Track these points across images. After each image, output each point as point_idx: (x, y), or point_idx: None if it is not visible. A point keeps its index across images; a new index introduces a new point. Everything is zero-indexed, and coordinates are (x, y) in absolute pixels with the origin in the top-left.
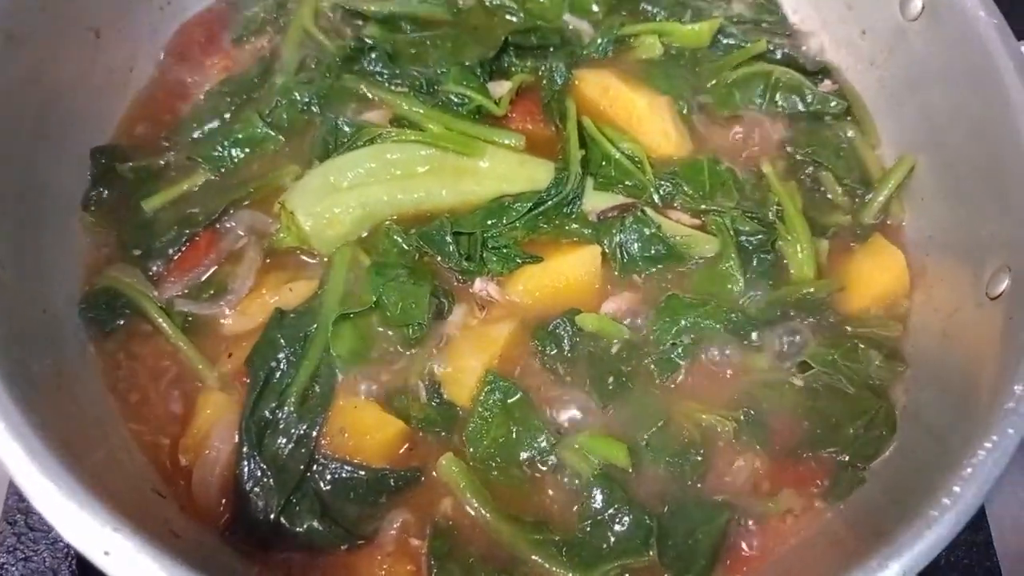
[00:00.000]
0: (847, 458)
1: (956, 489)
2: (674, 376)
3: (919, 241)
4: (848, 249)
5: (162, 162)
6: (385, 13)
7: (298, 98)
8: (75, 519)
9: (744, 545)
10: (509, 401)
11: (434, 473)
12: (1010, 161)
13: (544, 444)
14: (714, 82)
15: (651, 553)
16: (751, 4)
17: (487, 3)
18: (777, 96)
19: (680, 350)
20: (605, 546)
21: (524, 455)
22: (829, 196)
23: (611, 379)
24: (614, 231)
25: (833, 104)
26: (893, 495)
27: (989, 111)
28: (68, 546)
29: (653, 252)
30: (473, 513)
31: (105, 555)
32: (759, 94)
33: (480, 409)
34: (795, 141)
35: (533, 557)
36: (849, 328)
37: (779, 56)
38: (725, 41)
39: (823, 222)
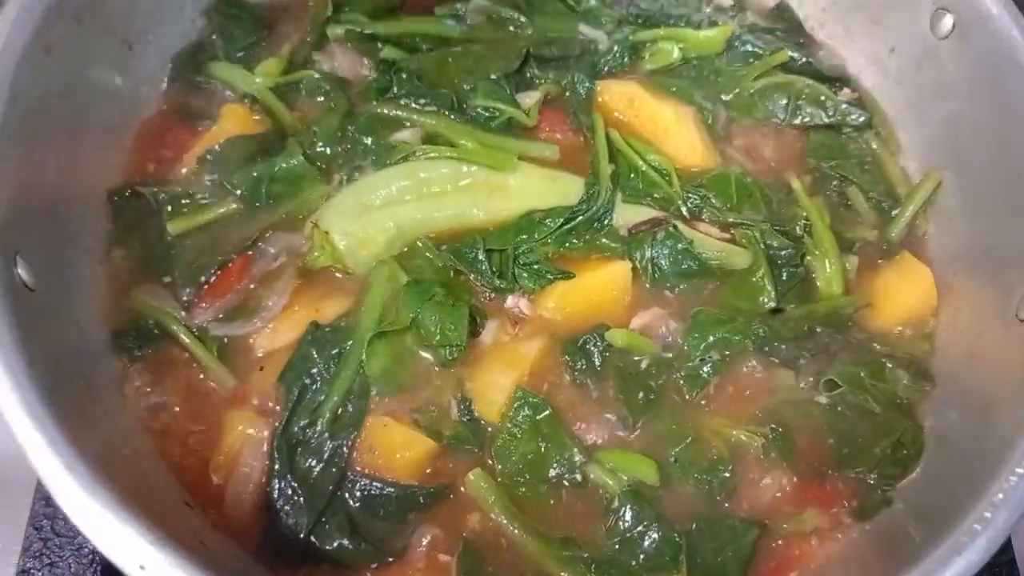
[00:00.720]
0: (873, 479)
1: (987, 515)
2: (703, 392)
3: (945, 259)
4: (875, 265)
5: (191, 188)
6: (398, 32)
7: (335, 124)
8: (113, 533)
9: (772, 563)
10: (538, 417)
11: (463, 488)
12: None
13: (573, 461)
14: (736, 91)
15: (680, 571)
16: (765, 14)
17: (494, 18)
18: (800, 107)
19: (709, 367)
20: (634, 563)
21: (553, 472)
22: (856, 210)
23: (640, 395)
24: (645, 246)
25: (854, 116)
26: (922, 518)
27: (1020, 130)
28: (93, 552)
29: (685, 267)
30: (501, 529)
31: (141, 569)
32: (782, 106)
33: (509, 425)
34: (819, 153)
35: (561, 574)
36: (877, 346)
37: (800, 66)
38: (743, 50)
39: (850, 237)
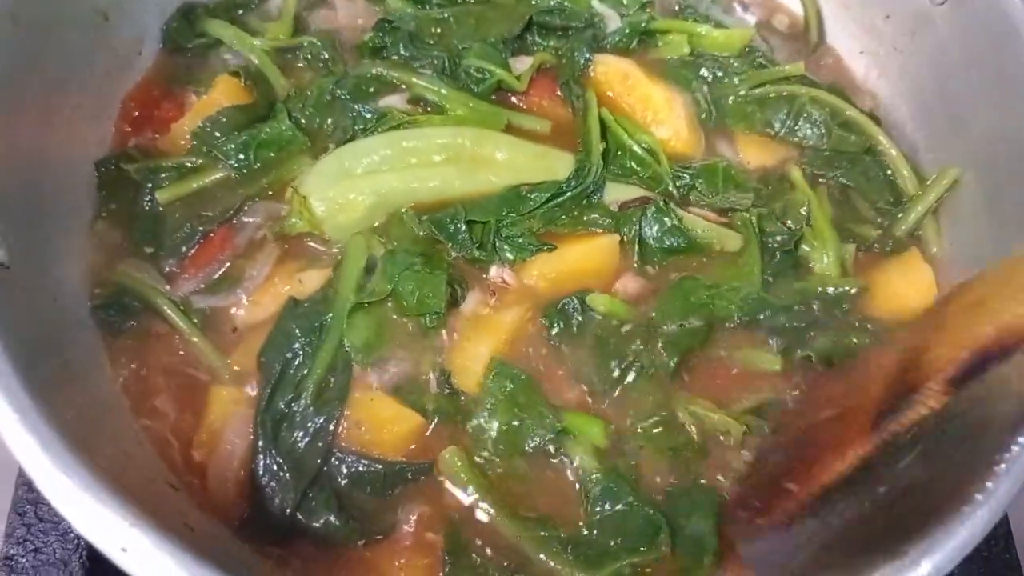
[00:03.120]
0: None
1: (989, 485)
2: (684, 363)
3: (947, 236)
4: (877, 259)
5: (180, 158)
6: None
7: (327, 87)
8: (92, 514)
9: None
10: (514, 387)
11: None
12: None
13: (549, 432)
14: (738, 93)
15: (663, 548)
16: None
17: None
18: (797, 125)
19: (689, 337)
20: (613, 543)
21: (530, 444)
22: (858, 208)
23: (614, 363)
24: (634, 220)
25: (853, 141)
26: (924, 489)
27: (1017, 100)
28: (78, 537)
29: (672, 244)
30: (476, 508)
31: (123, 551)
32: (780, 119)
33: (486, 396)
34: (817, 162)
35: (540, 556)
36: (869, 326)
37: (817, 82)
38: (758, 57)
39: (851, 229)
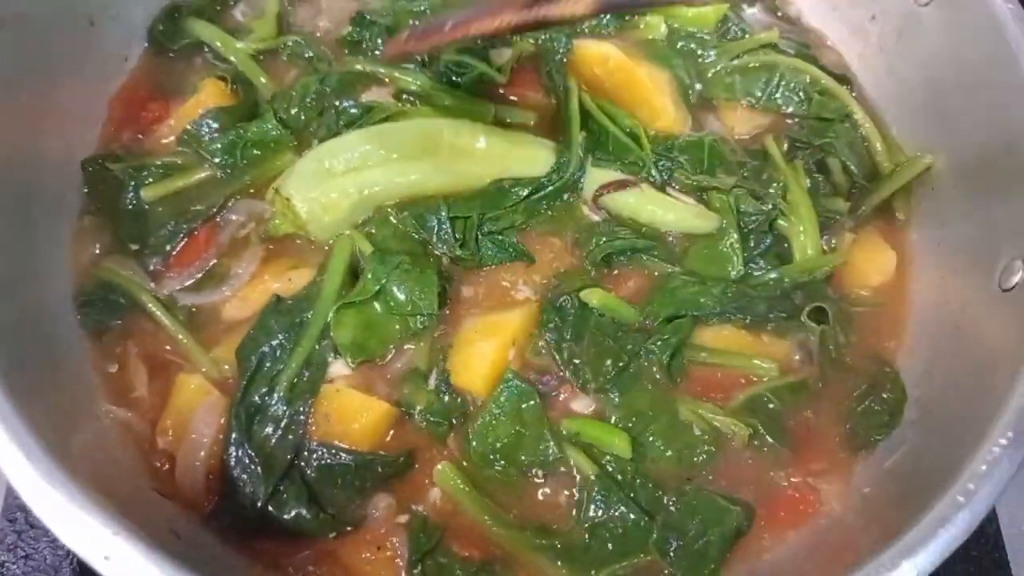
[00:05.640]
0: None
1: (971, 487)
2: (678, 361)
3: (928, 233)
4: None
5: (166, 157)
6: None
7: (311, 85)
8: (76, 523)
9: (753, 540)
10: (523, 404)
11: (431, 476)
12: None
13: (550, 452)
14: (718, 66)
15: (656, 553)
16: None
17: None
18: (777, 91)
19: (677, 336)
20: (610, 547)
21: (526, 458)
22: (831, 181)
23: (610, 361)
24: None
25: (832, 107)
26: (906, 492)
27: (1004, 101)
28: None
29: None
30: (472, 518)
31: (105, 559)
32: (760, 86)
33: (493, 406)
34: (804, 129)
35: (533, 562)
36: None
37: (792, 51)
38: (733, 29)
39: (824, 205)
